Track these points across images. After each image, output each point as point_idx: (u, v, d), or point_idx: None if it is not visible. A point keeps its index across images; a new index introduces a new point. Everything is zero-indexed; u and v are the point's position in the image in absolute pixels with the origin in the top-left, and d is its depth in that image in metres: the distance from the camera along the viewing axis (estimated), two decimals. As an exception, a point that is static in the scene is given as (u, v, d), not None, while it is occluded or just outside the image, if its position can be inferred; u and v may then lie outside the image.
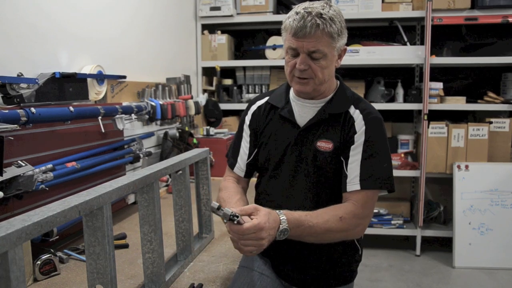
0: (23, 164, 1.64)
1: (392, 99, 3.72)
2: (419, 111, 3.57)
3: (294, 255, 1.44)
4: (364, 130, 1.35)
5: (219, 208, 1.15)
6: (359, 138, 1.35)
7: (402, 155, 3.71)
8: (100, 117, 1.94)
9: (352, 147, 1.35)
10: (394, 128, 3.92)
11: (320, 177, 1.39)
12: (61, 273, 1.57)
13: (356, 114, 1.39)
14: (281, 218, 1.21)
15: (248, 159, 1.52)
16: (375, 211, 3.69)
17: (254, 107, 1.54)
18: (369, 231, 3.67)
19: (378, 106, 3.61)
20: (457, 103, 3.48)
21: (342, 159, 1.36)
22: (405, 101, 3.66)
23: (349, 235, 1.33)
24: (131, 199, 2.17)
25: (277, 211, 1.23)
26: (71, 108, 1.77)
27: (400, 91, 3.69)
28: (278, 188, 1.45)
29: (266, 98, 1.53)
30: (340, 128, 1.38)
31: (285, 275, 1.49)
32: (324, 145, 1.37)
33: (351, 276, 1.51)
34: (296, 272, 1.46)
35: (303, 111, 1.43)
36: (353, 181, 1.32)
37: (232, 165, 1.55)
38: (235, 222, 1.16)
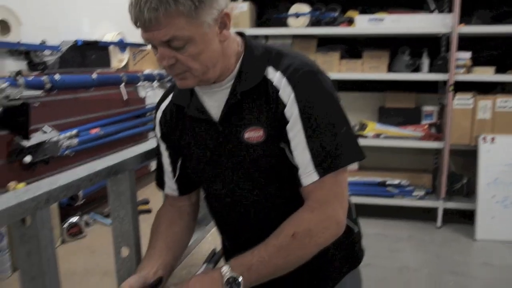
0: (49, 130, 1.67)
1: (417, 69, 3.63)
2: (445, 82, 3.48)
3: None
4: (294, 97, 0.95)
5: None
6: (292, 111, 0.95)
7: (426, 126, 3.65)
8: (122, 85, 1.96)
9: (288, 126, 0.96)
10: (418, 99, 3.84)
11: (268, 178, 1.03)
12: (87, 235, 1.62)
13: (277, 78, 0.98)
14: (222, 269, 0.96)
15: (174, 176, 1.17)
16: (396, 182, 3.66)
17: (159, 114, 1.15)
18: (390, 201, 3.66)
19: (402, 76, 3.54)
20: (485, 74, 3.37)
21: (282, 146, 0.99)
22: (430, 71, 3.57)
23: (321, 242, 0.98)
24: (153, 166, 2.20)
25: (221, 265, 0.99)
26: (94, 75, 1.78)
27: (425, 61, 3.59)
28: (227, 207, 1.11)
29: (170, 97, 1.14)
30: (264, 105, 0.99)
31: None
32: (254, 134, 0.99)
33: (356, 260, 1.22)
34: (293, 283, 1.12)
35: (214, 100, 1.04)
36: (307, 171, 0.96)
37: (161, 186, 1.21)
38: None
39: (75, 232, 1.61)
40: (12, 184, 1.47)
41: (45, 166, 1.71)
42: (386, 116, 3.84)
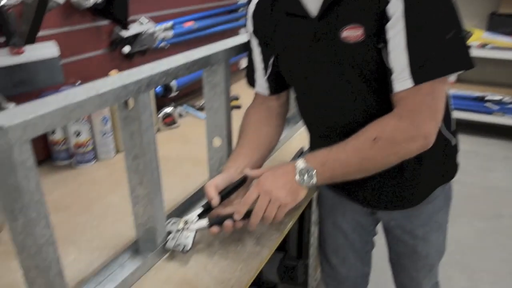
0: (145, 22, 1.70)
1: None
2: None
3: (367, 177, 1.04)
4: None
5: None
6: (395, 7, 0.85)
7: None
8: (216, -23, 1.90)
9: (389, 24, 0.86)
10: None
11: (362, 80, 0.95)
12: (180, 126, 1.70)
13: None
14: (296, 162, 0.96)
15: (265, 74, 1.14)
16: (498, 97, 3.37)
17: (252, 8, 1.10)
18: (487, 118, 3.42)
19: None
20: None
21: (379, 47, 0.90)
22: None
23: (403, 154, 0.92)
24: (243, 63, 2.20)
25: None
26: (189, -34, 1.74)
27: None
28: (316, 107, 1.07)
29: None
30: (366, 1, 0.89)
31: (369, 203, 1.18)
32: (352, 33, 0.91)
33: (449, 173, 1.16)
34: (380, 195, 1.13)
35: None
36: (401, 76, 0.87)
37: (252, 84, 1.20)
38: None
39: (169, 122, 1.69)
40: (113, 72, 1.55)
41: (142, 57, 1.77)
42: (497, 24, 3.43)
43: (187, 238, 0.97)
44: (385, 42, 0.88)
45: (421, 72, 0.86)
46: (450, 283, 2.12)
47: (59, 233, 0.71)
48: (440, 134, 1.04)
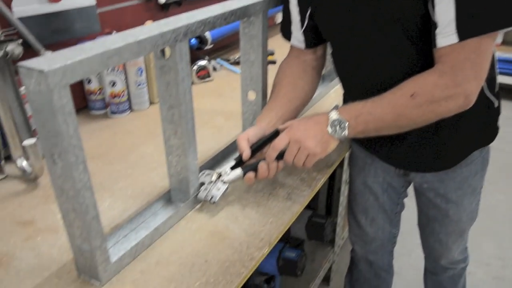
0: (182, -30, 1.66)
1: None
2: None
3: (399, 135, 1.02)
4: None
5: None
6: None
7: None
8: None
9: None
10: None
11: (406, 35, 0.90)
12: (214, 79, 1.69)
13: None
14: (329, 113, 0.93)
15: (302, 26, 1.09)
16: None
17: None
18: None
19: None
20: None
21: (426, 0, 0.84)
22: None
23: (441, 111, 0.88)
24: (279, 18, 2.14)
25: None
26: None
27: None
28: (354, 63, 1.03)
29: None
30: None
31: (402, 164, 1.17)
32: None
33: (489, 136, 1.11)
34: (415, 156, 1.10)
35: None
36: (446, 31, 0.82)
37: (287, 36, 1.15)
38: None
39: (203, 75, 1.68)
40: (148, 23, 1.54)
41: (177, 8, 1.74)
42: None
43: (219, 190, 0.98)
44: None
45: (468, 27, 0.80)
46: (479, 250, 2.10)
47: (94, 180, 0.73)
48: (482, 94, 1.00)
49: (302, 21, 1.08)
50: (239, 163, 1.00)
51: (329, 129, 0.92)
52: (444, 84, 0.84)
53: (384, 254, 1.42)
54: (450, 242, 1.26)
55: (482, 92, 1.00)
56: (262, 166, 0.97)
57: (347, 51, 1.03)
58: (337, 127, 0.92)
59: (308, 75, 1.14)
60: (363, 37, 0.96)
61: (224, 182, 0.98)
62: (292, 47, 1.16)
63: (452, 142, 1.05)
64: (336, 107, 0.93)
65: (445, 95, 0.85)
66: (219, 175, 0.99)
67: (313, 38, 1.11)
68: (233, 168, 1.00)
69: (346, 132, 0.92)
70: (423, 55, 0.90)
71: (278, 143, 0.95)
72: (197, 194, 0.99)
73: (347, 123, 0.91)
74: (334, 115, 0.92)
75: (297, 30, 1.11)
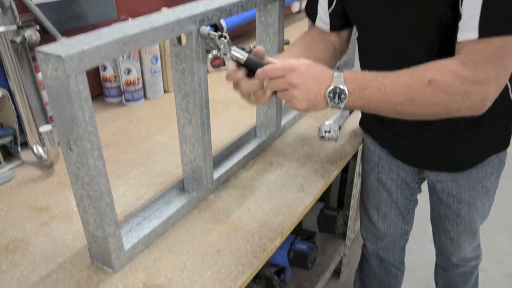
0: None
1: None
2: None
3: (415, 133, 1.02)
4: None
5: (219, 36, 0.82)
6: None
7: None
8: None
9: None
10: None
11: (437, 27, 0.87)
12: (228, 68, 1.68)
13: None
14: (334, 74, 0.82)
15: (329, 7, 1.04)
16: None
17: None
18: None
19: None
20: None
21: None
22: None
23: (451, 109, 0.80)
24: (295, 7, 2.12)
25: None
26: None
27: None
28: (379, 51, 0.99)
29: None
30: None
31: (416, 162, 1.16)
32: None
33: (507, 142, 1.08)
34: (430, 156, 1.09)
35: None
36: (468, 24, 0.77)
37: (312, 17, 1.09)
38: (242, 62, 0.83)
39: (218, 64, 1.67)
40: (164, 9, 1.53)
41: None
42: None
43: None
44: None
45: (492, 24, 0.75)
46: (492, 246, 2.08)
47: (108, 168, 0.73)
48: (505, 98, 0.97)
49: (330, 2, 1.03)
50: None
51: (327, 94, 0.81)
52: (464, 76, 0.77)
53: (396, 250, 1.40)
54: (461, 241, 1.24)
55: (505, 95, 0.97)
56: (259, 73, 0.82)
57: (375, 37, 0.98)
58: (336, 96, 0.81)
59: (329, 51, 1.07)
60: (393, 25, 0.92)
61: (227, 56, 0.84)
62: (314, 27, 1.11)
63: (468, 145, 1.03)
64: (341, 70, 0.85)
65: (463, 90, 0.78)
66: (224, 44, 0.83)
67: (340, 21, 1.05)
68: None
69: (342, 105, 0.82)
70: (453, 47, 0.84)
71: (270, 72, 0.81)
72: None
73: (348, 96, 0.81)
74: (339, 82, 0.81)
75: (323, 10, 1.06)
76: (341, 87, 0.80)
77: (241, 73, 0.84)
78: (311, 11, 1.09)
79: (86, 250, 0.84)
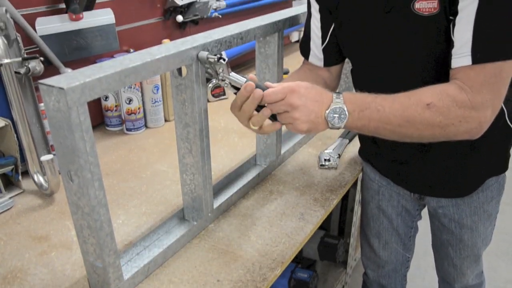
0: (199, -10, 1.69)
1: None
2: None
3: (414, 157, 1.04)
4: None
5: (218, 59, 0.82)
6: None
7: None
8: None
9: None
10: None
11: (432, 56, 0.89)
12: (229, 98, 1.70)
13: None
14: (334, 95, 0.84)
15: (322, 43, 1.06)
16: None
17: None
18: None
19: None
20: None
21: (451, 18, 0.82)
22: None
23: (449, 132, 0.82)
24: (294, 36, 2.16)
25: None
26: None
27: None
28: (373, 82, 0.99)
29: None
30: None
31: (417, 188, 1.16)
32: (426, 5, 0.84)
33: (506, 164, 1.09)
34: (430, 182, 1.10)
35: None
36: (460, 52, 0.80)
37: (305, 54, 1.11)
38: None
39: (218, 93, 1.69)
40: (165, 41, 1.56)
41: (195, 27, 1.76)
42: None
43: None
44: (454, 14, 0.80)
45: (483, 51, 0.77)
46: (495, 274, 2.05)
47: (109, 196, 0.74)
48: (501, 121, 0.99)
49: (324, 37, 1.06)
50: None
51: (327, 114, 0.83)
52: (462, 101, 0.79)
53: (397, 278, 1.39)
54: (464, 267, 1.23)
55: (503, 120, 0.99)
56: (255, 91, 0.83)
57: (370, 68, 1.00)
58: (336, 116, 0.83)
59: (319, 85, 1.08)
60: (389, 55, 0.94)
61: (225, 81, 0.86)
62: (306, 62, 1.12)
63: (468, 169, 1.03)
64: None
65: (460, 114, 0.80)
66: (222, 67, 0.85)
67: (333, 56, 1.08)
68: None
69: (342, 125, 0.84)
70: (447, 73, 0.86)
71: (270, 95, 0.82)
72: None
73: (348, 116, 0.83)
74: (338, 103, 0.83)
75: (317, 47, 1.08)
76: (341, 106, 0.82)
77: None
78: (304, 49, 1.11)
79: (85, 281, 0.84)
